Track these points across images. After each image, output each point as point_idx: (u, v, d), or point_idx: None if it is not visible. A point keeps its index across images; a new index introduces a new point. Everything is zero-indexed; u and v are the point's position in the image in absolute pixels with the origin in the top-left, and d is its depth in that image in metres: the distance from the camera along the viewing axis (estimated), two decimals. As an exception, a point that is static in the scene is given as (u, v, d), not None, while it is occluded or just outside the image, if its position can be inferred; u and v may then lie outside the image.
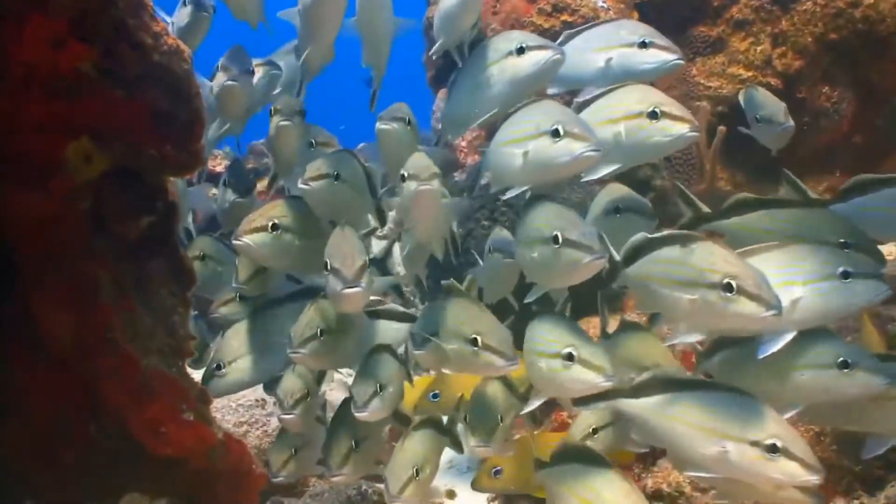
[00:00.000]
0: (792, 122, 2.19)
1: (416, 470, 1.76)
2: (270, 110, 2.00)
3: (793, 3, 2.94)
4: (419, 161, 1.70)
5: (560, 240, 1.57)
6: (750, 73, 2.99)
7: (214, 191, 4.49)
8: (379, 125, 1.89)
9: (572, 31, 1.93)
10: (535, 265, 1.68)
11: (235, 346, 1.94)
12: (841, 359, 1.52)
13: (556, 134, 1.61)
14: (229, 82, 2.00)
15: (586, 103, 1.81)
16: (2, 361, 1.47)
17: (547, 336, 1.64)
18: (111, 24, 1.34)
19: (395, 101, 1.97)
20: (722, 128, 2.75)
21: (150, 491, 1.59)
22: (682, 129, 1.65)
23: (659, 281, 1.58)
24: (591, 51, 1.85)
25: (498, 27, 3.27)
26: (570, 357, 1.57)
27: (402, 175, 1.69)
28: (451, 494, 2.73)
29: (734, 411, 1.46)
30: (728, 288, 1.44)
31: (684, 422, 1.50)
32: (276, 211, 1.85)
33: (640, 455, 2.13)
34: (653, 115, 1.66)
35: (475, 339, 1.62)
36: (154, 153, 1.45)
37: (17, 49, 1.29)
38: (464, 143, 3.60)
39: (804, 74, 2.94)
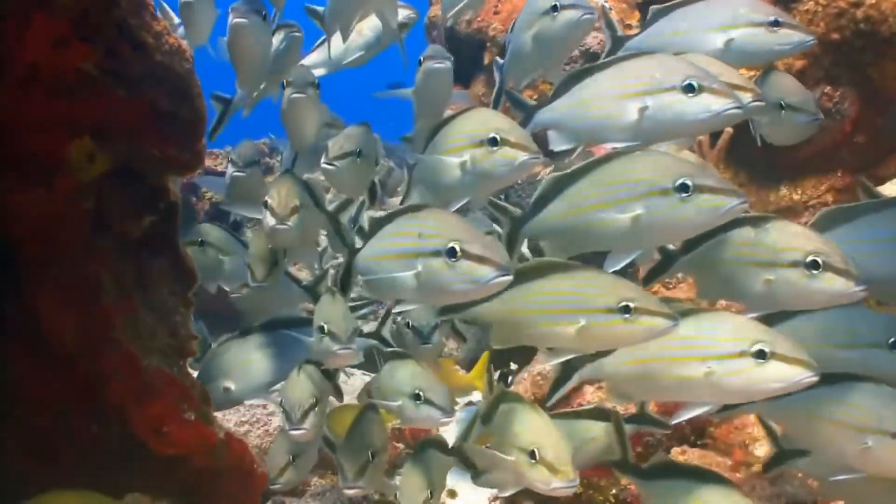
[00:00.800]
0: (821, 115, 1.95)
1: (431, 492, 1.71)
2: (283, 84, 1.90)
3: (794, 2, 2.93)
4: (515, 126, 1.53)
5: (692, 186, 1.38)
6: (752, 73, 2.98)
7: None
8: (433, 64, 1.78)
9: (660, 7, 1.75)
10: (635, 226, 1.43)
11: (212, 368, 1.94)
12: (893, 339, 1.48)
13: (690, 89, 1.44)
14: (238, 20, 1.80)
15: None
16: (3, 361, 1.47)
17: (716, 334, 1.42)
18: (113, 24, 1.34)
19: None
20: (728, 129, 2.74)
21: (151, 490, 1.59)
22: (723, 103, 1.46)
23: (730, 265, 1.48)
24: (707, 30, 1.68)
25: (499, 27, 3.27)
26: (761, 354, 1.37)
27: (495, 139, 1.50)
28: (452, 494, 2.72)
29: (870, 402, 1.41)
30: (814, 265, 1.39)
31: (823, 419, 1.44)
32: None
33: (641, 455, 2.13)
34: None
35: (627, 306, 1.37)
36: (156, 153, 1.46)
37: (19, 49, 1.30)
38: None
39: (806, 74, 2.93)
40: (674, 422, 1.53)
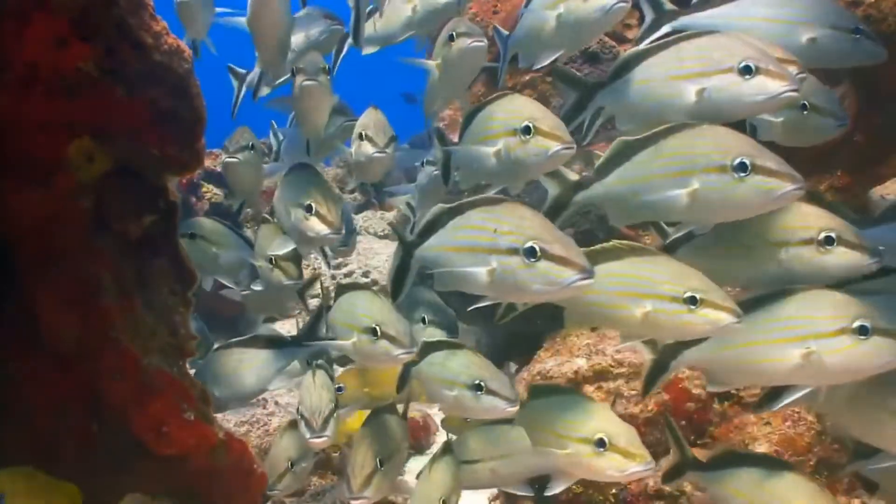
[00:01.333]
0: (848, 119, 1.80)
1: (443, 501, 1.63)
2: (292, 70, 1.85)
3: (794, 1, 2.93)
4: (548, 115, 1.52)
5: (750, 166, 1.36)
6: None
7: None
8: (470, 42, 1.71)
9: None
10: (691, 201, 1.41)
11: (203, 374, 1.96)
12: None
13: (747, 70, 1.41)
14: None
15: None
16: (4, 360, 1.47)
17: (813, 312, 1.36)
18: (112, 24, 1.34)
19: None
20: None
21: (151, 490, 1.59)
22: (779, 86, 1.41)
23: (739, 247, 1.48)
24: (788, 23, 1.61)
25: (499, 26, 3.26)
26: (863, 330, 1.32)
27: (528, 127, 1.50)
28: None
29: None
30: (828, 241, 1.40)
31: (869, 404, 1.43)
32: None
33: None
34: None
35: (693, 297, 1.36)
36: (155, 152, 1.46)
37: (18, 48, 1.29)
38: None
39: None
40: (775, 408, 1.48)
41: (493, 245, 1.39)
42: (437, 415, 3.60)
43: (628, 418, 2.15)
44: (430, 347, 1.70)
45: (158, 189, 1.55)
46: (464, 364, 1.61)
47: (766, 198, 1.36)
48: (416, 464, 2.99)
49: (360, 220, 5.71)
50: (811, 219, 1.43)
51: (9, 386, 1.48)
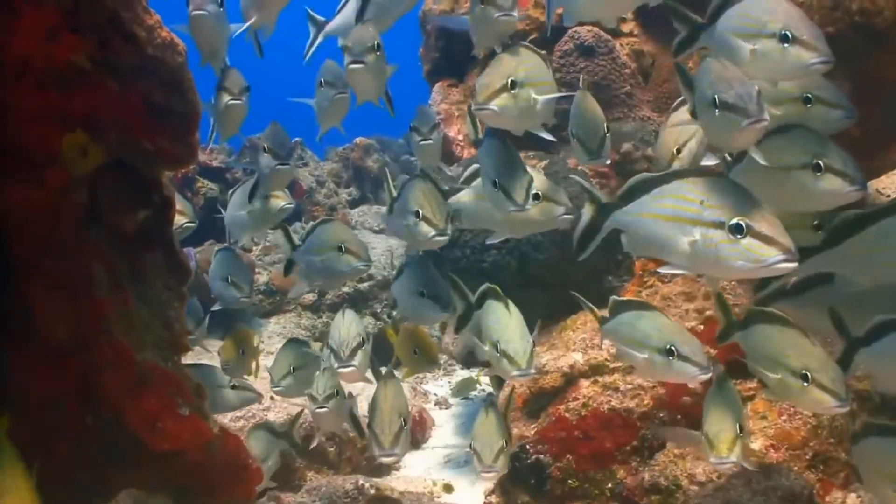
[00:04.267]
0: (856, 112, 1.81)
1: (505, 441, 1.74)
2: (342, 48, 1.82)
3: (789, -5, 2.93)
4: (532, 69, 1.66)
5: (718, 102, 1.40)
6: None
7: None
8: (502, 17, 1.69)
9: None
10: (704, 124, 1.53)
11: None
12: None
13: (784, 38, 1.44)
14: None
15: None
16: (-2, 354, 1.47)
17: None
18: (105, 17, 1.33)
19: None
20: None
21: (146, 485, 1.59)
22: (810, 56, 1.45)
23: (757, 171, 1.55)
24: None
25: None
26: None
27: (514, 82, 1.61)
28: (448, 488, 2.73)
29: None
30: (817, 167, 1.50)
31: None
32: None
33: (636, 448, 2.13)
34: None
35: (807, 374, 1.49)
36: (149, 146, 1.45)
37: (11, 41, 1.29)
38: (459, 137, 3.57)
39: (801, 67, 2.93)
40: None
41: (697, 216, 1.39)
42: (432, 409, 3.61)
43: (624, 413, 2.15)
44: (620, 306, 1.71)
45: (153, 183, 1.55)
46: (654, 326, 1.62)
47: (732, 130, 1.41)
48: (411, 458, 3.00)
49: (355, 214, 5.73)
50: (806, 145, 1.52)
51: (4, 379, 1.47)
